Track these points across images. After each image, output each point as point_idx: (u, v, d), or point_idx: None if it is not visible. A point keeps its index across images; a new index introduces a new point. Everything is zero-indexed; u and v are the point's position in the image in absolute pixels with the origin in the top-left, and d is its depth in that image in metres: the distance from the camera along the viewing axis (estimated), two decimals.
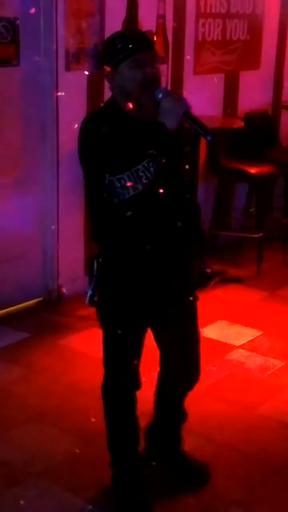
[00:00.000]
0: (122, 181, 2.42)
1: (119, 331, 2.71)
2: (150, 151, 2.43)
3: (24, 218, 4.55)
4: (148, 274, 2.67)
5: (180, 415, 3.02)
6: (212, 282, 4.74)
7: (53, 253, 4.69)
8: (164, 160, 2.46)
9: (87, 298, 2.75)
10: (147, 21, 4.79)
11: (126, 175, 2.42)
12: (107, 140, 2.47)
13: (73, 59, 4.47)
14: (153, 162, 2.43)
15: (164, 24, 4.96)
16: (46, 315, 4.58)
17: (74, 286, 4.71)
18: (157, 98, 2.51)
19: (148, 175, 2.43)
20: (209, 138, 2.60)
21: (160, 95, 2.50)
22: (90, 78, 4.55)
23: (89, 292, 2.73)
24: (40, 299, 4.74)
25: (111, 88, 2.61)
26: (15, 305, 4.58)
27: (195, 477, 3.04)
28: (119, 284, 2.68)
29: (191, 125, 2.56)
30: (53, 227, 4.62)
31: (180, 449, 3.08)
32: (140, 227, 2.60)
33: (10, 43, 4.23)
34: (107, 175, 2.43)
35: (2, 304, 4.49)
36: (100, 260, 2.68)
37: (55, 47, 4.37)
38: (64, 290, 4.74)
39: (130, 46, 2.50)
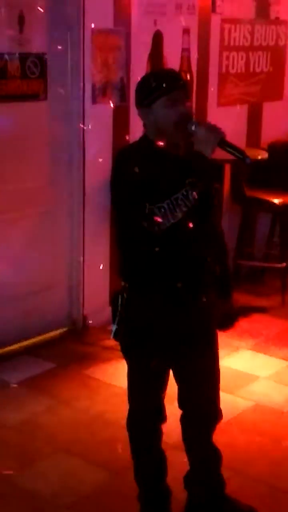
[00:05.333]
0: (162, 210, 2.46)
1: (143, 365, 2.72)
2: (190, 180, 2.48)
3: (50, 250, 4.60)
4: (173, 310, 2.68)
5: (212, 454, 2.95)
6: (236, 323, 4.76)
7: (79, 283, 4.73)
8: (202, 189, 2.51)
9: (113, 333, 2.77)
10: (172, 54, 4.86)
11: (166, 204, 2.47)
12: (145, 170, 2.52)
13: (100, 93, 4.54)
14: (192, 190, 2.48)
15: (188, 57, 5.03)
16: (71, 346, 4.60)
17: (99, 317, 4.74)
18: (190, 131, 2.57)
19: (187, 203, 2.48)
20: (248, 161, 2.64)
21: (193, 127, 2.57)
22: (115, 110, 4.62)
23: (114, 327, 2.75)
24: (66, 329, 4.76)
25: (144, 125, 2.67)
26: (41, 336, 4.60)
27: None
28: (142, 320, 2.69)
29: (228, 151, 2.61)
30: (79, 258, 4.66)
31: (224, 493, 2.99)
32: (171, 262, 2.62)
33: (39, 78, 4.31)
34: (147, 205, 2.47)
35: (29, 335, 4.52)
36: (125, 295, 2.70)
37: (82, 81, 4.44)
38: (89, 320, 4.77)
39: (164, 85, 2.57)
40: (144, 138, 2.67)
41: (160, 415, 2.84)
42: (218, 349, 2.85)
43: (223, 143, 2.58)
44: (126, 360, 2.82)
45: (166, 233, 2.51)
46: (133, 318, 2.70)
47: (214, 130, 2.57)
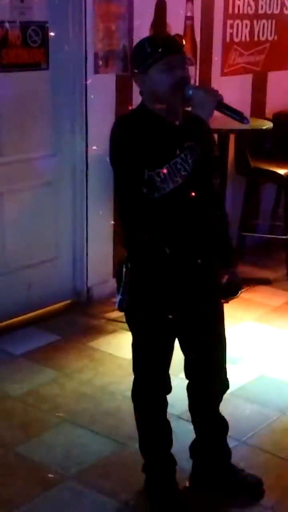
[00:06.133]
0: (162, 175, 2.43)
1: (148, 336, 2.72)
2: (188, 143, 2.46)
3: (54, 221, 4.57)
4: (174, 279, 2.66)
5: (220, 424, 2.97)
6: (241, 291, 4.75)
7: (83, 255, 4.71)
8: (200, 153, 2.48)
9: (117, 303, 2.75)
10: (175, 23, 4.79)
11: (165, 168, 2.44)
12: (143, 137, 2.50)
13: (102, 62, 4.48)
14: (191, 154, 2.46)
15: (192, 25, 4.96)
16: (76, 318, 4.59)
17: (103, 289, 4.73)
18: (187, 96, 2.54)
19: (187, 167, 2.46)
20: (246, 121, 2.62)
21: (190, 92, 2.54)
22: (118, 80, 4.57)
23: (119, 297, 2.73)
24: (70, 301, 4.76)
25: (141, 92, 2.64)
26: (45, 308, 4.60)
27: (249, 492, 2.96)
28: (147, 289, 2.68)
29: (226, 113, 2.59)
30: (83, 230, 4.64)
31: (230, 463, 3.00)
32: (170, 229, 2.60)
33: (40, 46, 4.25)
34: (146, 171, 2.45)
35: (33, 307, 4.52)
36: (129, 265, 2.69)
37: (84, 49, 4.38)
38: (93, 292, 4.76)
39: (160, 50, 2.52)
40: (141, 106, 2.64)
41: (165, 386, 2.83)
42: (224, 319, 2.84)
43: (221, 106, 2.56)
44: (131, 330, 2.81)
45: (166, 201, 2.48)
46: (137, 287, 2.68)
47: (212, 93, 2.55)
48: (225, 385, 2.91)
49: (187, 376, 2.89)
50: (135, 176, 2.47)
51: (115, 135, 2.59)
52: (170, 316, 2.69)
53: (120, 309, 2.76)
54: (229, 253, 2.88)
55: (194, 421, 2.98)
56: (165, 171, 2.43)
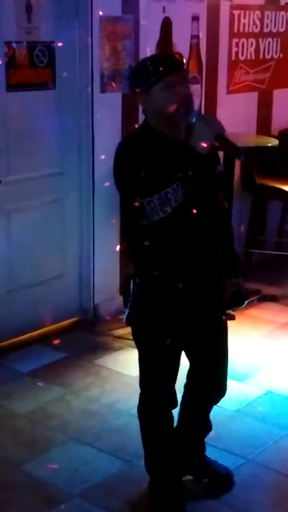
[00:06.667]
0: (152, 204, 2.46)
1: (155, 349, 2.74)
2: (180, 174, 2.47)
3: (61, 239, 4.59)
4: (182, 296, 2.69)
5: (205, 426, 3.05)
6: (247, 302, 4.75)
7: (89, 273, 4.73)
8: (193, 184, 2.50)
9: (125, 317, 2.78)
10: (181, 42, 4.83)
11: (155, 198, 2.46)
12: (139, 163, 2.53)
13: (108, 81, 4.52)
14: (182, 186, 2.47)
15: (197, 44, 5.00)
16: (82, 335, 4.60)
17: (109, 306, 4.74)
18: (191, 121, 2.57)
19: (178, 198, 2.47)
20: (242, 158, 2.66)
21: (194, 119, 2.57)
22: (124, 99, 4.60)
23: (127, 311, 2.76)
24: (77, 318, 4.77)
25: (143, 111, 2.69)
26: (52, 325, 4.61)
27: (219, 483, 3.07)
28: (154, 303, 2.70)
29: (223, 147, 2.60)
30: (90, 248, 4.66)
31: (203, 456, 3.10)
32: (173, 252, 2.63)
33: (47, 66, 4.29)
34: (137, 198, 2.48)
35: (39, 324, 4.53)
36: (137, 280, 2.71)
37: (90, 69, 4.43)
38: (99, 309, 4.77)
39: (161, 69, 2.57)
40: (144, 124, 2.68)
41: (171, 400, 2.85)
42: (227, 327, 2.88)
43: (220, 138, 2.56)
44: (138, 345, 2.83)
45: (168, 219, 2.50)
46: (145, 302, 2.71)
47: (212, 124, 2.57)
48: (223, 392, 2.96)
49: (190, 380, 2.94)
50: (128, 202, 2.53)
51: (116, 159, 2.64)
52: (174, 332, 2.71)
53: (128, 323, 2.79)
54: (234, 262, 2.91)
55: (182, 416, 3.01)
56: (155, 200, 2.46)
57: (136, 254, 2.72)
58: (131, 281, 2.74)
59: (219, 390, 2.95)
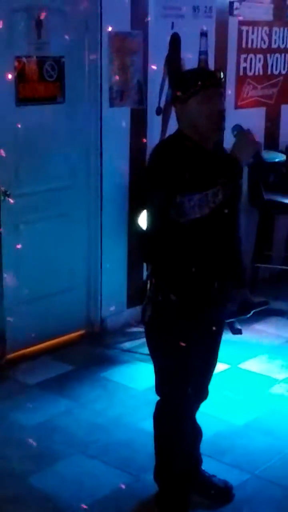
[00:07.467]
0: (192, 202, 2.54)
1: (172, 347, 2.77)
2: (222, 180, 2.56)
3: (69, 252, 4.61)
4: (215, 295, 2.77)
5: (195, 432, 3.06)
6: (253, 311, 4.75)
7: (97, 286, 4.74)
8: (231, 190, 2.60)
9: (144, 316, 2.82)
10: (189, 57, 4.85)
11: (197, 196, 2.55)
12: (184, 165, 2.62)
13: (117, 96, 4.55)
14: (222, 190, 2.56)
15: (206, 60, 5.02)
16: (89, 348, 4.61)
17: (117, 319, 4.75)
18: (232, 134, 2.70)
19: (216, 200, 2.56)
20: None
21: (235, 133, 2.70)
22: (133, 113, 4.63)
23: (143, 309, 2.82)
24: (84, 331, 4.78)
25: (178, 120, 2.79)
26: (59, 338, 4.62)
27: (218, 496, 3.08)
28: (171, 303, 2.75)
29: (255, 165, 2.80)
30: (97, 261, 4.68)
31: (201, 469, 3.12)
32: (210, 249, 2.72)
33: (56, 81, 4.33)
34: (178, 196, 2.55)
35: (47, 337, 4.54)
36: (153, 279, 2.78)
37: (99, 84, 4.46)
38: (107, 322, 4.78)
39: (199, 83, 2.67)
40: (178, 133, 2.78)
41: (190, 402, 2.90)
42: (222, 333, 2.99)
43: (257, 156, 2.68)
44: (154, 347, 2.86)
45: (202, 220, 2.58)
46: (162, 300, 2.76)
47: (254, 142, 2.67)
48: (206, 395, 3.06)
49: None
50: (167, 198, 2.58)
51: (155, 158, 2.73)
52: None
53: (144, 321, 2.85)
54: (241, 272, 2.99)
55: None
56: (195, 199, 2.53)
57: (163, 253, 2.75)
58: (148, 282, 2.80)
59: (205, 394, 3.03)
